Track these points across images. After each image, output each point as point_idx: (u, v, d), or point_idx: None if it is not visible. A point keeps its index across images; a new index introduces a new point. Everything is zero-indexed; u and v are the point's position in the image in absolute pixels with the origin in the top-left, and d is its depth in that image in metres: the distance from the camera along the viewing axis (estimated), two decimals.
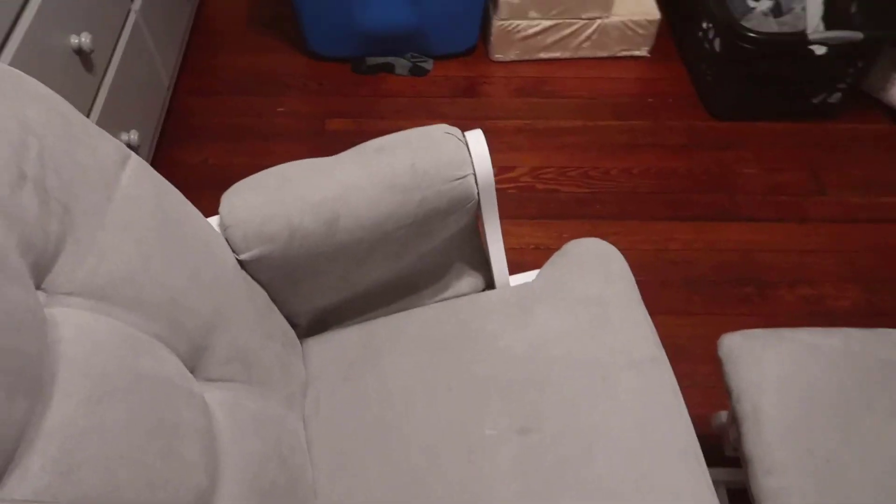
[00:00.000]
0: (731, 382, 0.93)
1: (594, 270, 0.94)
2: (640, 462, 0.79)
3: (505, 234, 1.52)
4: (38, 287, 0.58)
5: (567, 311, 0.91)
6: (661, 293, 1.47)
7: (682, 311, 1.45)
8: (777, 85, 1.71)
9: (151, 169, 0.73)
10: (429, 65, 1.89)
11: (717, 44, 1.70)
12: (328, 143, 1.73)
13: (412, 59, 1.88)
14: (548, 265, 0.97)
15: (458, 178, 0.81)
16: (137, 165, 0.71)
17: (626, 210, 1.61)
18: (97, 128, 0.67)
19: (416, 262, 0.93)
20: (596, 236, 1.51)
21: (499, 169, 1.67)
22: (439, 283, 0.97)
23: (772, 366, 0.92)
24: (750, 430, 0.88)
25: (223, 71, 1.88)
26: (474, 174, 0.83)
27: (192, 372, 0.72)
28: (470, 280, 0.98)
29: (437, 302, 0.97)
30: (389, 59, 1.88)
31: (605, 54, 1.94)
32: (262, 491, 0.71)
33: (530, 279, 0.97)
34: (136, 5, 1.42)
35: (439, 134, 0.82)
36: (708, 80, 1.80)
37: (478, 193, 0.85)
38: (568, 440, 0.82)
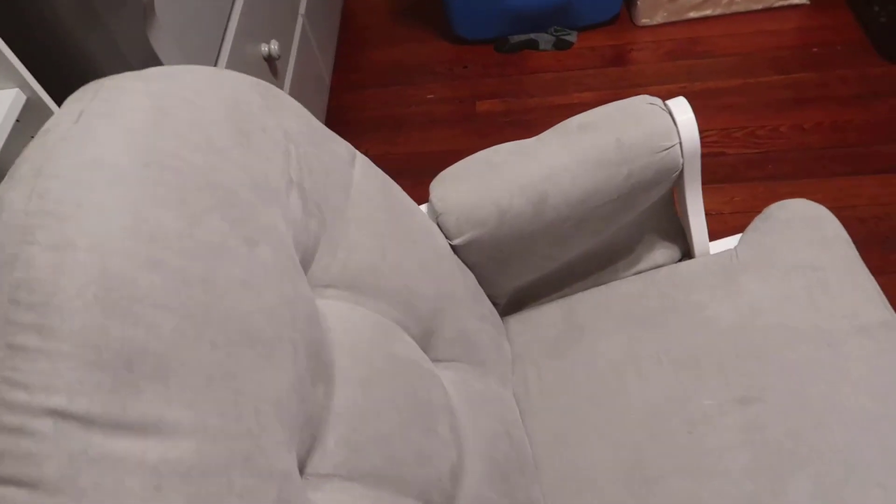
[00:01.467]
0: None
1: (804, 234, 0.90)
2: (885, 432, 0.75)
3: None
4: None
5: (778, 279, 0.88)
6: (871, 252, 1.37)
7: (878, 271, 1.34)
8: None
9: (374, 165, 0.78)
10: (572, 37, 1.85)
11: None
12: (481, 126, 1.75)
13: (555, 34, 1.85)
14: (750, 230, 0.94)
15: (666, 149, 0.80)
16: (363, 162, 0.75)
17: (802, 168, 1.52)
18: (330, 131, 0.72)
19: (613, 235, 0.93)
20: (771, 198, 1.45)
21: None
22: (634, 255, 0.96)
23: None
24: None
25: (372, 64, 1.94)
26: (680, 143, 0.81)
27: (425, 353, 0.76)
28: (665, 251, 0.97)
29: (633, 274, 0.96)
30: (532, 36, 1.86)
31: (759, 6, 1.82)
32: (498, 466, 0.74)
33: (730, 246, 0.94)
34: (302, 9, 1.50)
35: (642, 105, 0.81)
36: (881, 22, 1.64)
37: (682, 162, 0.83)
38: (796, 411, 0.79)
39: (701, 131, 1.58)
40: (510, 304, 0.99)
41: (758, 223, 0.94)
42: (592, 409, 0.86)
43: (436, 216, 0.83)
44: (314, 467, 0.53)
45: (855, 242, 1.37)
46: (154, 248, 0.40)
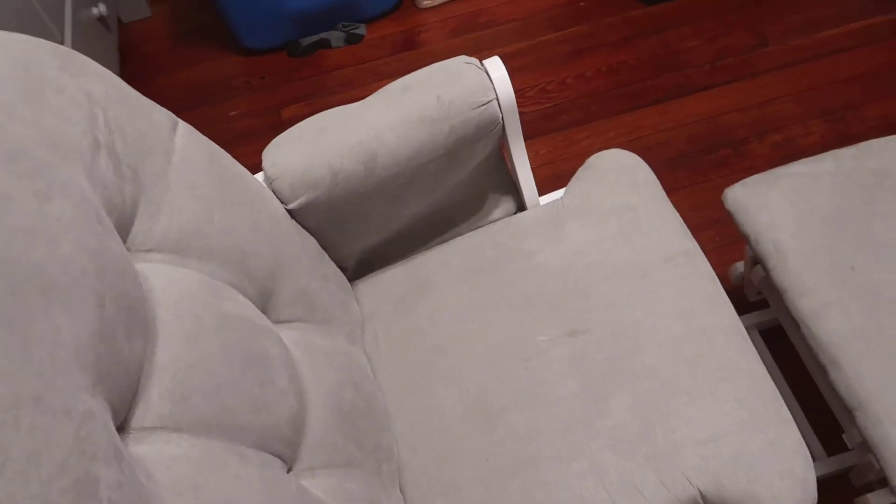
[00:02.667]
0: (745, 229, 1.01)
1: (620, 180, 0.99)
2: (689, 347, 0.85)
3: None
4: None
5: (598, 222, 0.96)
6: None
7: (670, 189, 1.52)
8: None
9: (197, 132, 0.78)
10: (362, 30, 1.90)
11: None
12: None
13: (345, 29, 1.88)
14: (574, 181, 1.01)
15: (483, 104, 0.85)
16: (186, 130, 0.75)
17: (591, 113, 1.67)
18: (147, 98, 0.72)
19: (449, 194, 0.98)
20: (569, 143, 1.60)
21: None
22: (473, 212, 1.02)
23: (778, 203, 1.00)
24: (776, 264, 0.97)
25: (164, 91, 1.87)
26: (497, 99, 0.87)
27: (264, 314, 0.77)
28: (502, 206, 1.03)
29: (473, 231, 1.02)
30: (323, 35, 1.87)
31: None
32: (343, 414, 0.77)
33: (559, 197, 1.01)
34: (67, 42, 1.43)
35: (459, 65, 0.86)
36: None
37: (502, 117, 0.89)
38: (616, 337, 0.87)
39: None
40: (358, 268, 1.02)
41: (580, 173, 1.02)
42: (439, 357, 0.91)
43: (270, 181, 0.84)
44: (138, 421, 0.54)
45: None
46: None
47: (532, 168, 0.99)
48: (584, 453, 0.81)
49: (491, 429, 0.85)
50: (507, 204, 1.03)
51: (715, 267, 1.36)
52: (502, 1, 1.93)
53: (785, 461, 0.75)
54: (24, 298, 0.42)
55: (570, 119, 1.67)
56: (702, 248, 1.38)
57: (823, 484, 1.19)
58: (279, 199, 0.84)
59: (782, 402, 0.81)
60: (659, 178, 1.49)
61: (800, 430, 1.19)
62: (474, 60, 0.87)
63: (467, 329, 0.92)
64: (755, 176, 1.05)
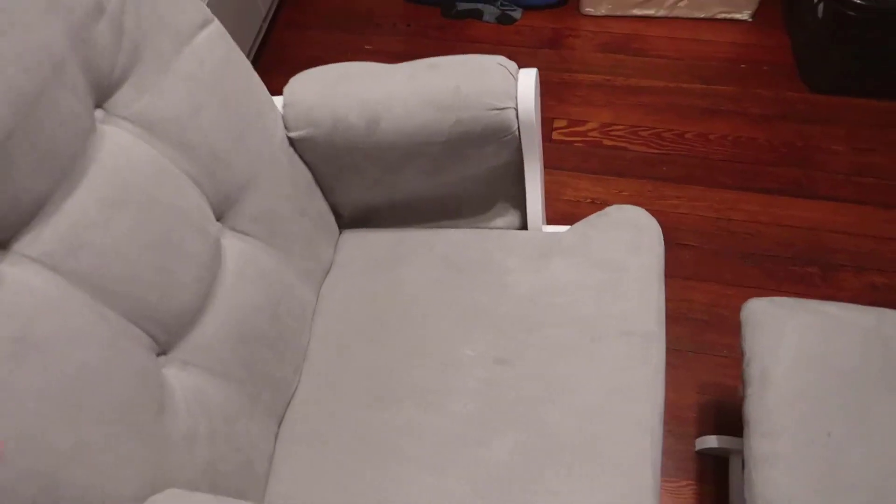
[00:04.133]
0: (745, 345, 0.93)
1: (625, 237, 0.94)
2: (593, 424, 0.80)
3: (563, 185, 1.55)
4: (98, 106, 0.71)
5: (583, 268, 0.92)
6: (715, 262, 1.44)
7: (734, 283, 1.41)
8: (884, 59, 1.56)
9: (230, 39, 0.84)
10: (517, 14, 1.88)
11: (820, 10, 1.56)
12: None
13: (501, 7, 1.88)
14: (583, 222, 0.97)
15: (497, 109, 0.84)
16: (216, 31, 0.81)
17: (694, 175, 1.57)
18: None
19: (458, 186, 0.97)
20: (656, 197, 1.51)
21: (569, 121, 1.67)
22: (479, 213, 1.01)
23: (792, 334, 0.91)
24: (754, 393, 0.88)
25: (319, 6, 1.96)
26: (516, 110, 0.85)
27: (220, 218, 0.83)
28: (508, 218, 1.01)
29: (471, 228, 1.01)
30: (479, 6, 1.89)
31: (702, 15, 1.84)
32: (245, 333, 0.82)
33: (563, 230, 0.98)
34: None
35: (492, 63, 0.85)
36: (809, 50, 1.67)
37: (518, 131, 0.87)
38: (535, 382, 0.84)
39: (610, 124, 1.67)
40: (354, 220, 1.05)
41: (593, 218, 0.98)
42: (376, 327, 0.93)
43: (283, 106, 0.89)
44: (20, 247, 0.61)
45: (720, 252, 1.46)
46: None
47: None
48: (444, 471, 0.80)
49: (381, 409, 0.86)
50: (514, 218, 1.01)
51: (735, 377, 1.30)
52: (662, 35, 1.85)
53: None
54: None
55: (670, 172, 1.58)
56: (734, 353, 1.33)
57: None
58: (285, 124, 0.89)
59: None
60: (728, 267, 1.43)
61: None
62: (511, 64, 0.86)
63: (412, 313, 0.93)
64: (786, 298, 0.96)
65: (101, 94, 0.70)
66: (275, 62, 1.87)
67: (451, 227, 1.02)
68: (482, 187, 0.99)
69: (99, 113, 0.71)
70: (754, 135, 1.63)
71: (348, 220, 1.04)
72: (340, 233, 1.04)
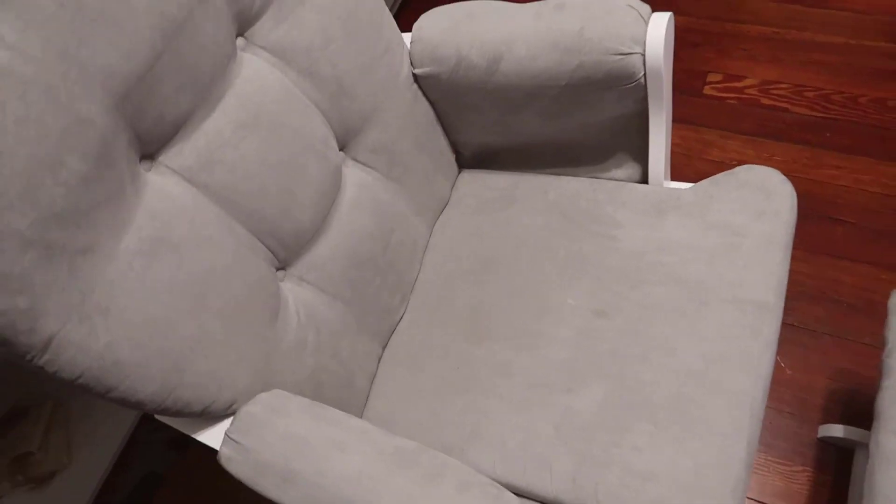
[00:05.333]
0: (889, 334, 0.87)
1: (751, 200, 0.88)
2: (688, 387, 0.78)
3: (709, 144, 1.46)
4: (239, 34, 0.77)
5: (699, 229, 0.88)
6: (873, 242, 1.31)
7: (892, 268, 1.28)
8: None
9: None
10: None
11: None
12: None
13: None
14: (709, 180, 0.93)
15: (622, 54, 0.81)
16: None
17: (861, 145, 1.40)
18: None
19: (577, 132, 0.96)
20: (813, 166, 1.39)
21: (726, 76, 1.54)
22: (598, 162, 0.99)
23: None
24: (891, 385, 0.83)
25: None
26: (643, 56, 0.81)
27: (342, 148, 0.88)
28: (628, 170, 0.98)
29: (589, 177, 0.99)
30: None
31: None
32: (357, 257, 0.87)
33: (685, 187, 0.94)
34: None
35: (621, 4, 0.81)
36: None
37: (644, 79, 0.84)
38: (632, 338, 0.83)
39: (773, 82, 1.54)
40: (474, 160, 1.07)
41: (719, 177, 0.92)
42: (483, 265, 0.95)
43: (411, 43, 0.91)
44: (164, 160, 0.69)
45: (881, 233, 1.35)
46: None
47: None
48: (532, 412, 0.82)
49: (478, 346, 0.89)
50: (635, 171, 0.98)
51: (873, 367, 1.20)
52: None
53: None
54: (84, 25, 0.57)
55: (833, 140, 1.43)
56: (875, 340, 1.22)
57: None
58: (411, 61, 0.92)
59: (741, 493, 0.72)
60: (888, 250, 1.31)
61: None
62: (642, 7, 0.82)
63: (519, 257, 0.94)
64: None
65: (243, 24, 0.76)
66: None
67: (569, 175, 1.01)
68: (602, 136, 0.96)
69: (240, 41, 0.77)
70: None
71: (468, 159, 1.06)
72: (460, 172, 1.06)
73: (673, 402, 0.78)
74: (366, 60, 0.85)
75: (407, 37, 0.93)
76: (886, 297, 1.26)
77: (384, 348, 0.94)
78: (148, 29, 0.62)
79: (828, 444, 1.17)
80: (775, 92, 1.52)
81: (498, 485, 0.63)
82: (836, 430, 1.14)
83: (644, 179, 0.98)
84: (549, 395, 0.82)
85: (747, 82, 1.55)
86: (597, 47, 0.81)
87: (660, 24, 0.80)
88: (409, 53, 0.92)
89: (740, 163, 1.44)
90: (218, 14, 0.71)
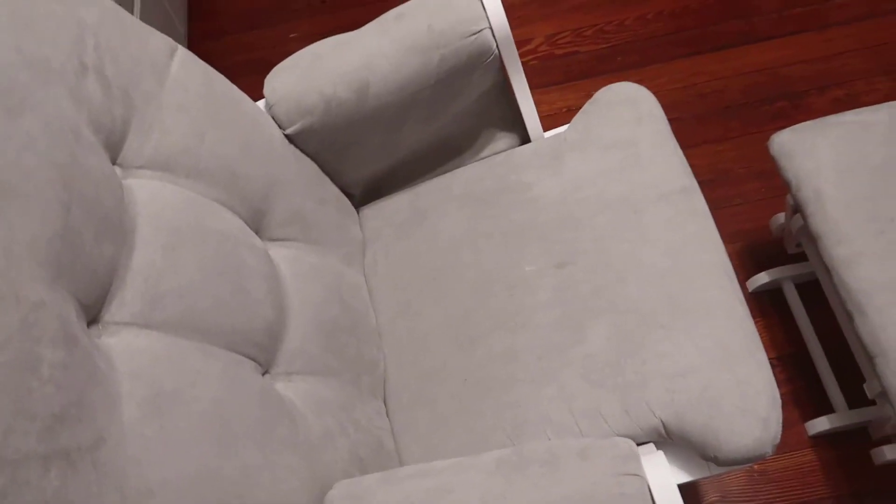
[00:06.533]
0: (788, 175, 1.00)
1: (624, 114, 0.97)
2: (671, 283, 0.84)
3: (537, 104, 1.58)
4: (113, 163, 0.70)
5: (598, 155, 0.95)
6: (699, 126, 1.51)
7: (722, 138, 1.50)
8: None
9: (198, 59, 0.83)
10: None
11: None
12: None
13: None
14: (579, 114, 1.00)
15: (474, 33, 0.85)
16: (185, 56, 0.80)
17: (648, 55, 1.62)
18: (145, 25, 0.77)
19: (452, 124, 0.99)
20: None
21: (515, 44, 1.67)
22: (477, 143, 1.03)
23: (825, 150, 0.97)
24: (815, 211, 0.95)
25: (229, 8, 1.89)
26: (490, 28, 0.86)
27: (256, 233, 0.83)
28: (506, 139, 1.03)
29: (476, 161, 1.03)
30: None
31: None
32: (324, 327, 0.83)
33: (563, 129, 1.01)
34: None
35: None
36: None
37: (497, 47, 0.89)
38: (601, 270, 0.88)
39: (555, 34, 1.71)
40: (367, 194, 1.06)
41: (586, 107, 1.01)
42: (432, 281, 0.95)
43: (269, 107, 0.89)
44: (111, 316, 0.61)
45: (700, 116, 1.52)
46: None
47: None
48: (556, 378, 0.83)
49: (472, 350, 0.88)
50: (512, 137, 1.03)
51: (756, 219, 1.39)
52: None
53: (749, 400, 0.75)
54: None
55: (626, 61, 1.62)
56: (747, 198, 1.42)
57: (842, 435, 1.18)
58: (278, 124, 0.89)
59: (759, 344, 0.80)
60: (711, 126, 1.51)
61: (824, 382, 1.19)
62: None
63: (460, 255, 0.95)
64: (805, 122, 1.03)
65: (113, 150, 0.69)
66: None
67: (460, 167, 1.04)
68: (477, 118, 1.00)
69: (117, 170, 0.70)
70: (686, 2, 1.68)
71: (361, 197, 1.05)
72: (358, 212, 1.05)
73: (666, 302, 0.84)
74: (242, 139, 0.82)
75: (260, 104, 0.90)
76: (734, 163, 1.46)
77: (385, 401, 0.90)
78: (48, 184, 0.55)
79: (760, 293, 1.32)
80: (561, 41, 1.69)
81: (595, 437, 0.64)
82: (763, 278, 1.29)
83: (524, 141, 1.04)
84: (562, 354, 0.84)
85: (535, 43, 1.70)
86: (450, 36, 0.85)
87: None
88: (273, 117, 0.89)
89: (569, 108, 1.58)
90: (93, 147, 0.64)
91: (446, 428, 0.85)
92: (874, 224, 0.92)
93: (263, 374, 0.74)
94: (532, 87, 1.62)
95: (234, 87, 0.86)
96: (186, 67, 0.79)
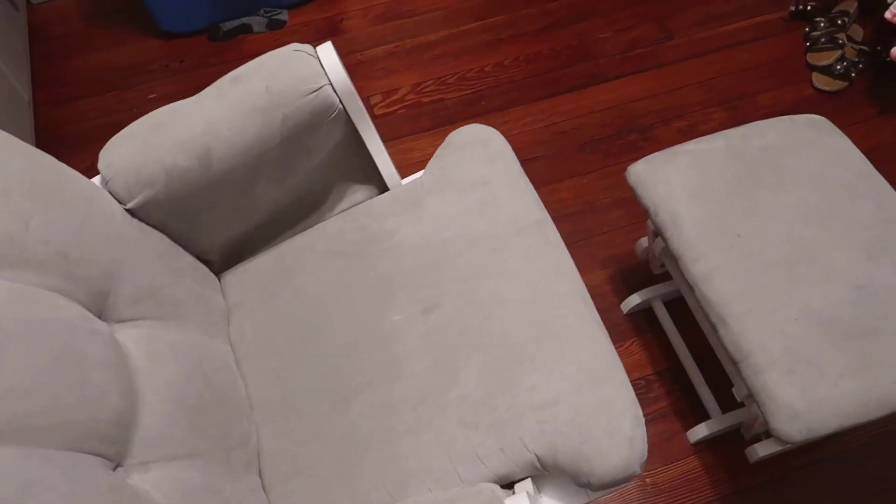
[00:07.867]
0: (645, 201, 1.06)
1: (476, 154, 1.00)
2: (534, 315, 0.86)
3: (408, 150, 1.64)
4: None
5: (456, 196, 0.97)
6: (562, 162, 1.60)
7: (584, 172, 1.59)
8: None
9: (18, 140, 0.78)
10: (284, 16, 1.89)
11: None
12: None
13: (266, 15, 1.87)
14: (434, 158, 1.02)
15: (314, 91, 0.85)
16: (3, 138, 0.75)
17: (509, 99, 1.71)
18: None
19: (307, 180, 0.98)
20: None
21: (383, 95, 1.74)
22: (336, 196, 1.03)
23: (675, 177, 1.05)
24: (673, 233, 1.02)
25: (77, 74, 1.84)
26: (331, 84, 0.87)
27: (100, 315, 0.78)
28: (364, 189, 1.04)
29: (336, 215, 1.02)
30: (244, 20, 1.86)
31: None
32: (186, 406, 0.79)
33: (419, 175, 1.02)
34: None
35: (288, 52, 0.86)
36: None
37: (341, 102, 0.89)
38: (467, 310, 0.89)
39: (419, 83, 1.77)
40: (227, 260, 1.03)
41: (440, 151, 1.03)
42: (302, 342, 0.93)
43: (105, 182, 0.85)
44: None
45: (561, 153, 1.61)
46: None
47: None
48: (433, 426, 0.83)
49: (347, 409, 0.86)
50: (370, 187, 1.04)
51: (621, 245, 1.47)
52: None
53: (614, 420, 0.77)
54: None
55: (490, 105, 1.70)
56: (613, 226, 1.51)
57: (720, 439, 1.24)
58: (117, 199, 0.85)
59: (619, 364, 0.83)
60: (574, 162, 1.59)
61: (699, 391, 1.24)
62: (306, 47, 0.87)
63: (328, 313, 0.94)
64: (655, 154, 1.10)
65: None
66: (58, 144, 1.70)
67: (321, 221, 1.03)
68: (331, 172, 1.00)
69: None
70: (539, 48, 1.80)
71: (221, 262, 1.02)
72: (219, 278, 1.02)
73: (531, 334, 0.85)
74: (76, 221, 0.77)
75: (96, 180, 0.86)
76: (598, 194, 1.55)
77: (261, 474, 0.86)
78: None
79: (634, 314, 1.38)
80: (427, 90, 1.74)
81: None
82: (635, 300, 1.35)
83: (383, 189, 1.04)
84: (437, 400, 0.84)
85: (402, 92, 1.74)
86: (290, 96, 0.84)
87: (329, 53, 0.86)
88: (111, 192, 0.85)
89: None
90: None
91: (326, 494, 0.82)
92: (723, 239, 0.99)
93: (115, 469, 0.69)
94: (403, 135, 1.66)
95: (64, 166, 0.81)
96: (5, 150, 0.74)
